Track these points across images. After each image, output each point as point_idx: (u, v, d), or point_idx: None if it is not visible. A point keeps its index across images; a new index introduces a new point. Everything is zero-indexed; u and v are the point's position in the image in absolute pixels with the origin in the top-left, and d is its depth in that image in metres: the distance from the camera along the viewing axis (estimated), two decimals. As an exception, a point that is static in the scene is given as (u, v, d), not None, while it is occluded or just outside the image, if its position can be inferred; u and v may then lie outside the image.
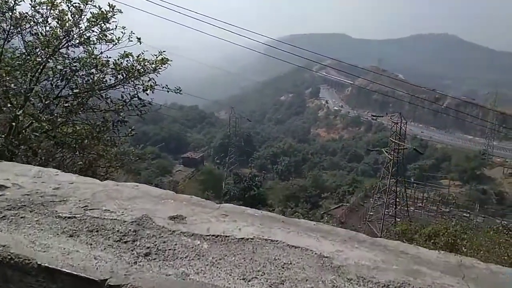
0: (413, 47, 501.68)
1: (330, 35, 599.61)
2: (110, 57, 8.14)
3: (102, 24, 8.05)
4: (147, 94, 8.03)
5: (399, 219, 48.10)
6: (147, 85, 8.03)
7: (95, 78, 7.85)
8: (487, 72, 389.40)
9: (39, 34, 7.82)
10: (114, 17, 8.14)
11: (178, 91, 8.41)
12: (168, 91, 8.33)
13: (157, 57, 8.20)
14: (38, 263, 2.19)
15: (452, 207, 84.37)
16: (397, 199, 49.39)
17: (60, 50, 7.94)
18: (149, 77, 8.22)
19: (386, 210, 48.16)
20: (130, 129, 8.26)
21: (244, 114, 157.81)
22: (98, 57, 8.13)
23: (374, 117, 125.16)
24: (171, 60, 8.23)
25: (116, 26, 8.10)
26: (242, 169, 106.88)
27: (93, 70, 7.84)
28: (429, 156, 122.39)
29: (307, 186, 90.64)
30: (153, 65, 8.10)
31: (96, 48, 8.29)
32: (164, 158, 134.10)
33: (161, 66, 8.16)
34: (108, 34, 8.17)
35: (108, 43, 8.19)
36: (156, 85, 8.07)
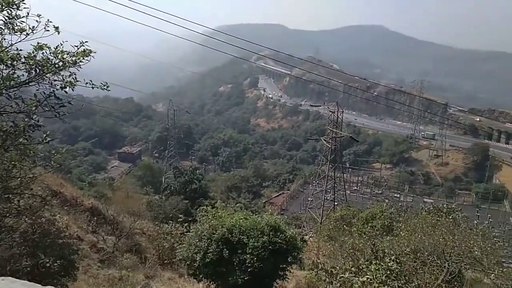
0: (346, 38, 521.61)
1: (267, 26, 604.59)
2: (21, 50, 7.00)
3: (9, 10, 6.87)
4: (66, 92, 6.99)
5: (337, 204, 49.91)
6: (67, 81, 7.01)
7: (3, 74, 6.70)
8: (412, 60, 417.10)
9: None
10: (24, 2, 6.98)
11: (105, 87, 7.46)
12: (93, 87, 7.36)
13: (78, 49, 7.19)
14: None
15: (384, 188, 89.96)
16: (335, 185, 51.14)
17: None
18: (70, 72, 7.19)
19: (326, 196, 49.71)
20: (44, 135, 7.13)
21: (183, 106, 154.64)
22: (6, 49, 6.94)
23: (312, 106, 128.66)
24: (95, 52, 7.24)
25: (28, 13, 6.96)
26: (182, 162, 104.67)
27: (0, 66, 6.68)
28: (362, 142, 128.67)
29: (248, 176, 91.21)
30: (73, 58, 7.08)
31: (5, 39, 7.08)
32: (97, 154, 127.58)
33: (83, 58, 7.16)
34: (18, 23, 7.00)
35: (18, 33, 7.02)
36: (77, 81, 7.05)
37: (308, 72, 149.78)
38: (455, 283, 14.41)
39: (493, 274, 14.10)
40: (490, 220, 61.32)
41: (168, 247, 19.35)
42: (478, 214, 63.94)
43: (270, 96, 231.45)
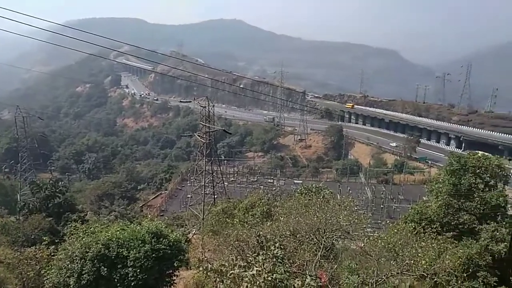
0: (208, 32, 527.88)
1: (125, 20, 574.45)
2: None
3: None
4: None
5: (217, 197, 50.43)
6: None
7: None
8: (271, 52, 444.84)
9: None
10: None
11: None
12: None
13: None
14: None
15: (258, 176, 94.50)
16: (214, 178, 51.55)
17: None
18: None
19: (205, 191, 49.76)
20: None
21: (34, 111, 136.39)
22: None
23: (182, 102, 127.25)
24: None
25: None
26: (40, 175, 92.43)
27: None
28: (234, 133, 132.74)
29: (121, 181, 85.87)
30: None
31: None
32: None
33: None
34: None
35: None
36: None
37: (174, 68, 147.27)
38: (330, 255, 15.76)
39: (361, 242, 15.84)
40: (350, 192, 69.49)
41: (34, 275, 16.97)
42: (340, 188, 71.71)
43: (136, 94, 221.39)
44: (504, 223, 21.73)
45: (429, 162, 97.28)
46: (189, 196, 57.48)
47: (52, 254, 17.71)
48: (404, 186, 79.80)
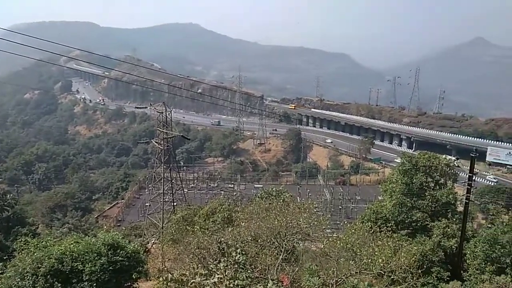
0: (163, 36, 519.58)
1: (76, 24, 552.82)
2: None
3: None
4: None
5: (177, 205, 49.45)
6: None
7: None
8: (228, 57, 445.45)
9: None
10: None
11: None
12: None
13: None
14: None
15: (219, 181, 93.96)
16: (173, 185, 50.53)
17: None
18: None
19: (164, 198, 48.65)
20: None
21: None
22: None
23: (138, 108, 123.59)
24: None
25: None
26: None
27: None
28: (193, 139, 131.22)
29: (74, 191, 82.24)
30: None
31: None
32: None
33: None
34: None
35: None
36: None
37: (128, 73, 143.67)
38: (292, 258, 15.91)
39: (321, 244, 16.11)
40: (310, 194, 70.79)
41: (-20, 295, 15.84)
42: (300, 191, 72.83)
43: (89, 100, 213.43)
44: (454, 219, 22.96)
45: (383, 162, 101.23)
46: (148, 204, 55.99)
47: (0, 272, 16.61)
48: (361, 187, 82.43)
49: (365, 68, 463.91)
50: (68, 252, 15.18)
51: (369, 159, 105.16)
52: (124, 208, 74.70)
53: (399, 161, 27.30)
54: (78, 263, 14.99)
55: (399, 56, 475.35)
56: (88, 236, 17.15)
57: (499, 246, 18.69)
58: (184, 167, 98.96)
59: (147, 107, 64.99)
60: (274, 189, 35.19)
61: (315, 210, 19.27)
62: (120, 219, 69.21)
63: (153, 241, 39.03)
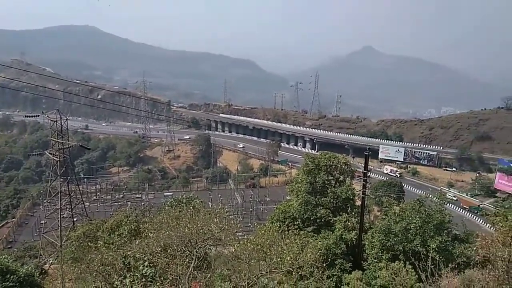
0: (56, 38, 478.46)
1: None
2: None
3: None
4: None
5: (77, 220, 45.66)
6: None
7: None
8: (131, 61, 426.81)
9: None
10: None
11: None
12: None
13: None
14: None
15: (125, 192, 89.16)
16: (72, 200, 46.48)
17: None
18: None
19: (62, 214, 44.46)
20: None
21: None
22: None
23: (28, 117, 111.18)
24: None
25: None
26: None
27: None
28: (94, 148, 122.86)
29: (-49, 214, 71.31)
30: None
31: None
32: None
33: None
34: None
35: None
36: None
37: (15, 80, 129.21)
38: (204, 265, 15.64)
39: (232, 247, 16.10)
40: (221, 199, 70.79)
41: None
42: (211, 196, 72.50)
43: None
44: (353, 213, 24.77)
45: (290, 164, 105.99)
46: (43, 222, 50.77)
47: None
48: (270, 188, 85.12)
49: (269, 74, 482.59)
50: None
51: (277, 161, 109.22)
52: (16, 227, 66.85)
53: (303, 161, 28.69)
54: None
55: (300, 64, 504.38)
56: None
57: (393, 235, 20.43)
58: (85, 179, 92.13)
59: (39, 115, 59.09)
60: (184, 196, 34.57)
61: (226, 214, 19.27)
62: (11, 240, 61.83)
63: (50, 261, 35.53)
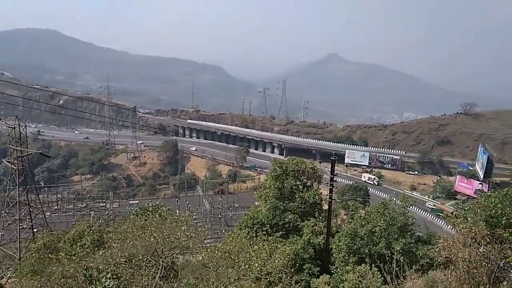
0: (14, 42, 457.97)
1: None
2: None
3: None
4: None
5: (37, 231, 43.63)
6: None
7: None
8: (95, 66, 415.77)
9: None
10: None
11: None
12: None
13: None
14: None
15: (88, 201, 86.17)
16: (31, 210, 44.37)
17: None
18: None
19: (21, 225, 42.34)
20: None
21: None
22: None
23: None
24: None
25: None
26: None
27: None
28: (55, 156, 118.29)
29: None
30: None
31: None
32: None
33: None
34: None
35: None
36: None
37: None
38: (170, 275, 15.27)
39: (200, 255, 15.85)
40: (189, 206, 69.86)
41: None
42: (179, 203, 71.37)
43: None
44: (321, 217, 25.04)
45: (258, 169, 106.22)
46: (1, 234, 48.16)
47: None
48: (239, 194, 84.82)
49: (237, 80, 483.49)
50: None
51: (245, 167, 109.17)
52: (-31, 241, 62.92)
53: (271, 167, 28.79)
54: None
55: (268, 70, 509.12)
56: None
57: (359, 238, 20.74)
58: (46, 188, 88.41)
59: (-5, 122, 56.30)
60: (150, 204, 33.77)
61: (194, 221, 18.99)
62: (-37, 256, 57.97)
63: (8, 275, 33.69)
